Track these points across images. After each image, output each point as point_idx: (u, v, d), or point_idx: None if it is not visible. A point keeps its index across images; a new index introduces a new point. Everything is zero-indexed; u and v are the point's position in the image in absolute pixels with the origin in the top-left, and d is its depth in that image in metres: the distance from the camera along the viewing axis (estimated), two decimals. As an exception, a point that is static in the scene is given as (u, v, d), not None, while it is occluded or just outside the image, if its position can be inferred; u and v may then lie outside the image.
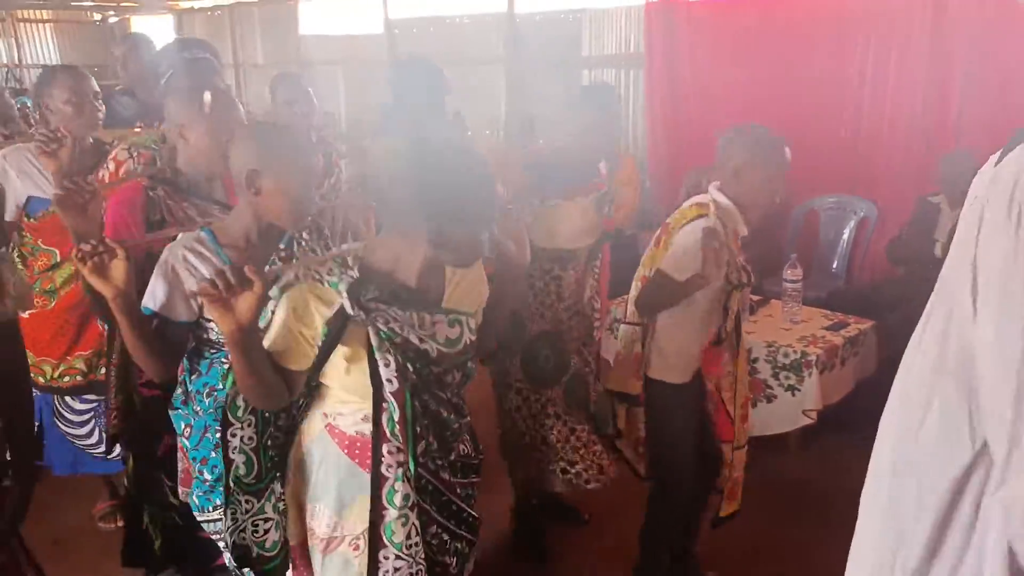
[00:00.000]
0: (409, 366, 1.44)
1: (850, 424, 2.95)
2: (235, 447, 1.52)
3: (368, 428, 1.50)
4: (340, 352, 1.43)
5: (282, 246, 1.76)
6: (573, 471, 2.61)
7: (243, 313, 1.34)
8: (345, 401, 1.52)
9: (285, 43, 8.36)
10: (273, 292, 1.41)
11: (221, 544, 1.80)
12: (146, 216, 1.92)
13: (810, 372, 3.18)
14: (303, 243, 1.79)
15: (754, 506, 2.50)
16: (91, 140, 2.51)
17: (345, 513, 1.55)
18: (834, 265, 4.34)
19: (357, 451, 1.53)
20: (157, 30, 10.55)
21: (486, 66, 6.27)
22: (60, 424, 2.74)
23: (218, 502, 1.75)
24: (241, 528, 1.56)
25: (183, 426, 1.85)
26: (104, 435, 2.62)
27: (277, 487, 1.59)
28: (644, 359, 2.27)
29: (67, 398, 2.70)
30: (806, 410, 3.20)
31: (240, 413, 1.51)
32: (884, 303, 3.66)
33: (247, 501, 1.55)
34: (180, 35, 9.78)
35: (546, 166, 2.44)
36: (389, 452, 1.49)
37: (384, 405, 1.46)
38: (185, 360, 1.81)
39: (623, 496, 2.62)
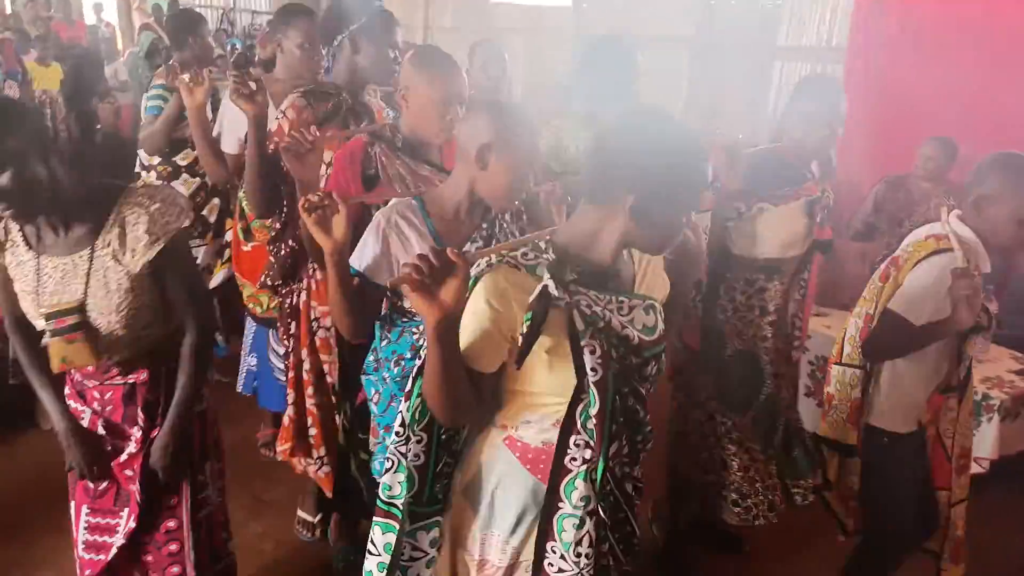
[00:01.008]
0: (613, 352, 1.34)
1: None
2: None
3: (558, 436, 1.37)
4: (541, 343, 1.30)
5: (484, 225, 1.76)
6: (744, 504, 2.45)
7: (448, 301, 1.21)
8: (535, 405, 1.38)
9: (475, 8, 8.52)
10: None
11: None
12: (363, 170, 1.99)
13: (990, 417, 2.94)
14: (504, 224, 1.79)
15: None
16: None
17: (527, 537, 1.41)
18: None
19: (542, 465, 1.39)
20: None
21: (671, 46, 6.09)
22: (271, 359, 2.81)
23: None
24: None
25: (373, 392, 1.88)
26: None
27: (439, 521, 1.46)
28: (865, 406, 2.08)
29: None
30: (978, 457, 2.93)
31: (416, 427, 1.38)
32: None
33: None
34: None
35: (755, 166, 2.26)
36: (576, 445, 1.36)
37: (582, 397, 1.33)
38: (377, 326, 1.83)
39: (786, 533, 2.48)
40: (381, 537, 1.42)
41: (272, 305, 2.67)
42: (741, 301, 2.39)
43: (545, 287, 1.28)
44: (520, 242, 1.37)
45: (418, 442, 1.39)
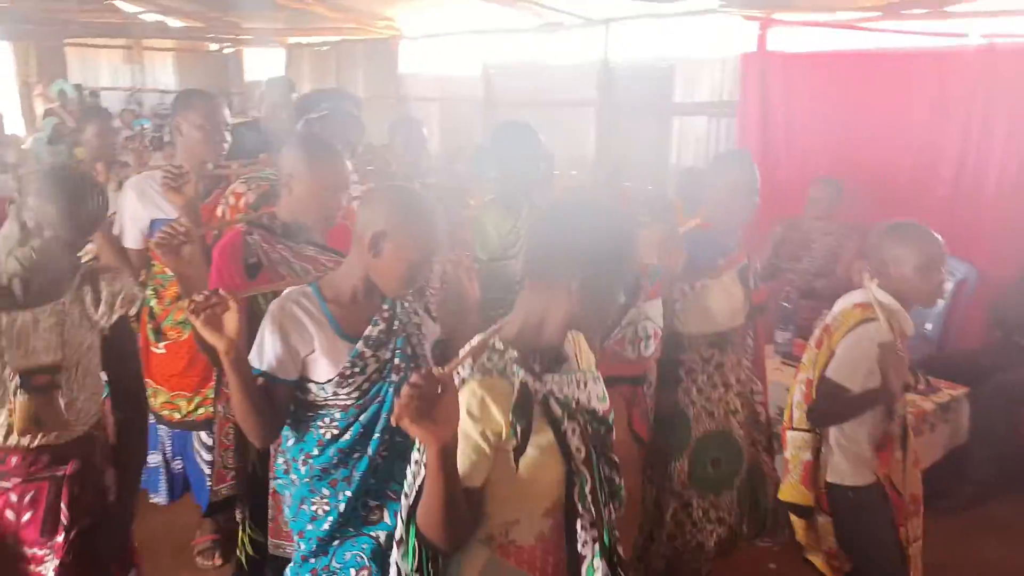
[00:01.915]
0: (588, 428, 1.37)
1: (938, 493, 2.84)
2: None
3: (549, 524, 1.37)
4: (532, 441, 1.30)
5: (385, 306, 1.70)
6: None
7: (232, 329, 1.45)
8: (525, 503, 1.36)
9: (385, 80, 8.73)
10: None
11: None
12: (244, 260, 1.95)
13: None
14: (406, 304, 1.74)
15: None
16: (211, 167, 2.52)
17: None
18: (928, 327, 4.18)
19: (538, 560, 1.37)
20: (267, 62, 11.19)
21: (577, 108, 6.37)
22: (200, 460, 2.69)
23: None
24: None
25: (284, 495, 1.79)
26: None
27: None
28: (819, 467, 2.16)
29: (202, 434, 2.64)
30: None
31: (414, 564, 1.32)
32: (979, 370, 3.52)
33: None
34: (289, 68, 10.34)
35: (690, 244, 2.25)
36: (582, 528, 1.35)
37: (574, 480, 1.34)
38: (286, 427, 1.73)
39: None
40: None
41: (191, 407, 2.59)
42: (703, 380, 2.39)
43: (524, 385, 1.30)
44: (476, 349, 1.32)
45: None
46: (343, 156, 1.99)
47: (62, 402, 1.63)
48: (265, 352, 1.61)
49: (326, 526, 1.69)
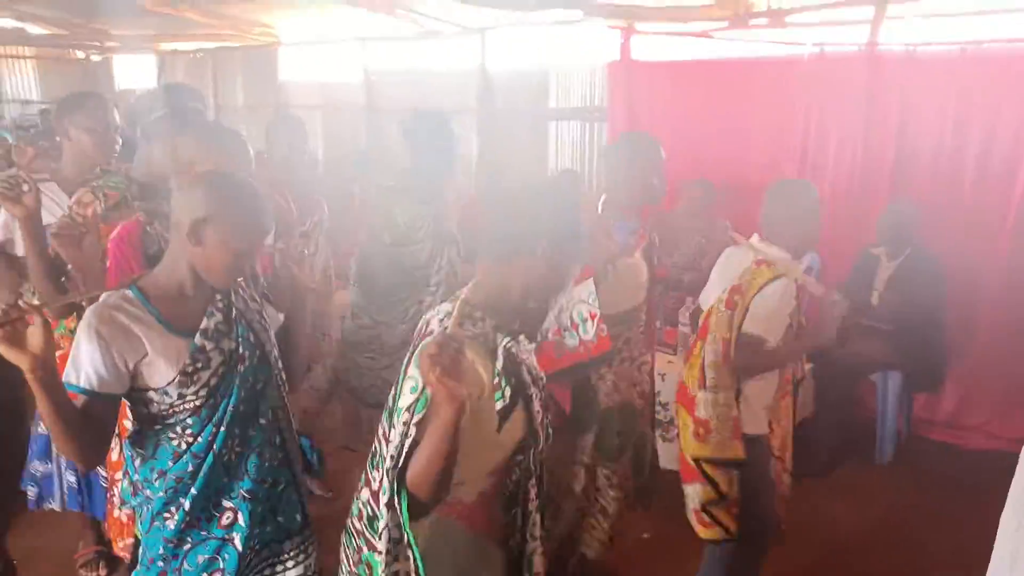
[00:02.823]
0: (542, 393, 1.49)
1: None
2: None
3: (491, 483, 1.47)
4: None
5: (219, 296, 1.62)
6: (606, 537, 2.61)
7: (37, 345, 1.31)
8: (473, 464, 1.42)
9: (264, 87, 8.61)
10: (412, 373, 1.35)
11: None
12: (144, 250, 1.91)
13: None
14: (241, 291, 1.69)
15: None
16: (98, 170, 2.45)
17: None
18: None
19: (477, 516, 1.47)
20: (139, 71, 10.78)
21: (458, 114, 6.52)
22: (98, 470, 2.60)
23: None
24: None
25: (140, 510, 1.68)
26: None
27: None
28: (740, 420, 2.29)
29: None
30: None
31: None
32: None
33: None
34: (162, 76, 10.01)
35: (612, 224, 2.31)
36: (532, 486, 1.50)
37: (530, 442, 1.47)
38: (127, 447, 1.63)
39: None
40: None
41: None
42: (615, 356, 2.43)
43: (507, 348, 1.39)
44: (451, 312, 1.42)
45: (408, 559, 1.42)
46: (239, 134, 1.99)
47: None
48: (82, 367, 1.47)
49: (172, 526, 1.62)
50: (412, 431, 1.34)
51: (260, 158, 3.58)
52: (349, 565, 1.57)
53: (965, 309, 4.00)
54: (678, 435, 2.52)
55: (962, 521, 3.19)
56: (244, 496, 1.65)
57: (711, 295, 2.51)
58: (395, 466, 1.36)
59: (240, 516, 1.65)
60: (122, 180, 2.25)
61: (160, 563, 1.64)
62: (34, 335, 1.34)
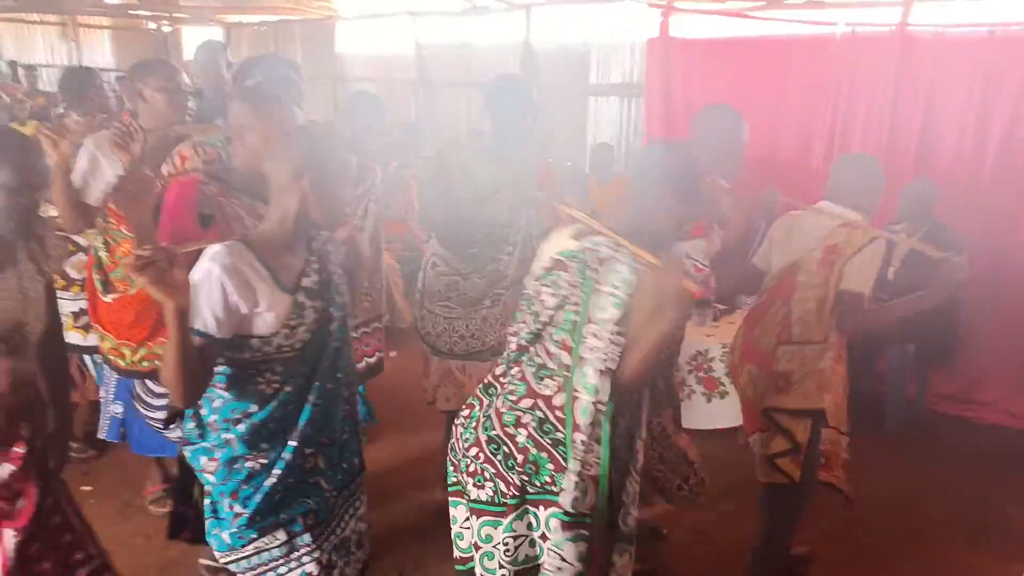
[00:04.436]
0: None
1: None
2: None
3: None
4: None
5: (313, 258, 1.75)
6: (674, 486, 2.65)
7: (181, 284, 1.45)
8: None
9: (322, 59, 8.95)
10: (613, 291, 1.62)
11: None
12: (199, 211, 1.98)
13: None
14: (329, 252, 1.82)
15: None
16: (174, 132, 2.58)
17: None
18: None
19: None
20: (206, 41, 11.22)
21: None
22: (139, 408, 2.75)
23: (253, 536, 1.70)
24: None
25: (204, 460, 1.73)
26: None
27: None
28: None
29: (147, 382, 2.68)
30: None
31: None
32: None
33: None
34: (228, 46, 10.41)
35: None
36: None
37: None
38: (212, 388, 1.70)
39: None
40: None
41: (136, 358, 2.63)
42: None
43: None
44: (595, 240, 1.70)
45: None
46: (287, 103, 2.05)
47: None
48: (203, 312, 1.55)
49: (270, 481, 1.69)
50: (619, 340, 1.61)
51: (328, 127, 3.74)
52: (497, 469, 1.72)
53: (985, 287, 4.07)
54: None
55: (970, 494, 3.26)
56: (324, 442, 1.79)
57: (775, 256, 2.58)
58: (607, 369, 1.62)
59: (320, 460, 1.79)
60: (221, 138, 2.30)
61: (257, 519, 1.70)
62: (179, 275, 1.47)
